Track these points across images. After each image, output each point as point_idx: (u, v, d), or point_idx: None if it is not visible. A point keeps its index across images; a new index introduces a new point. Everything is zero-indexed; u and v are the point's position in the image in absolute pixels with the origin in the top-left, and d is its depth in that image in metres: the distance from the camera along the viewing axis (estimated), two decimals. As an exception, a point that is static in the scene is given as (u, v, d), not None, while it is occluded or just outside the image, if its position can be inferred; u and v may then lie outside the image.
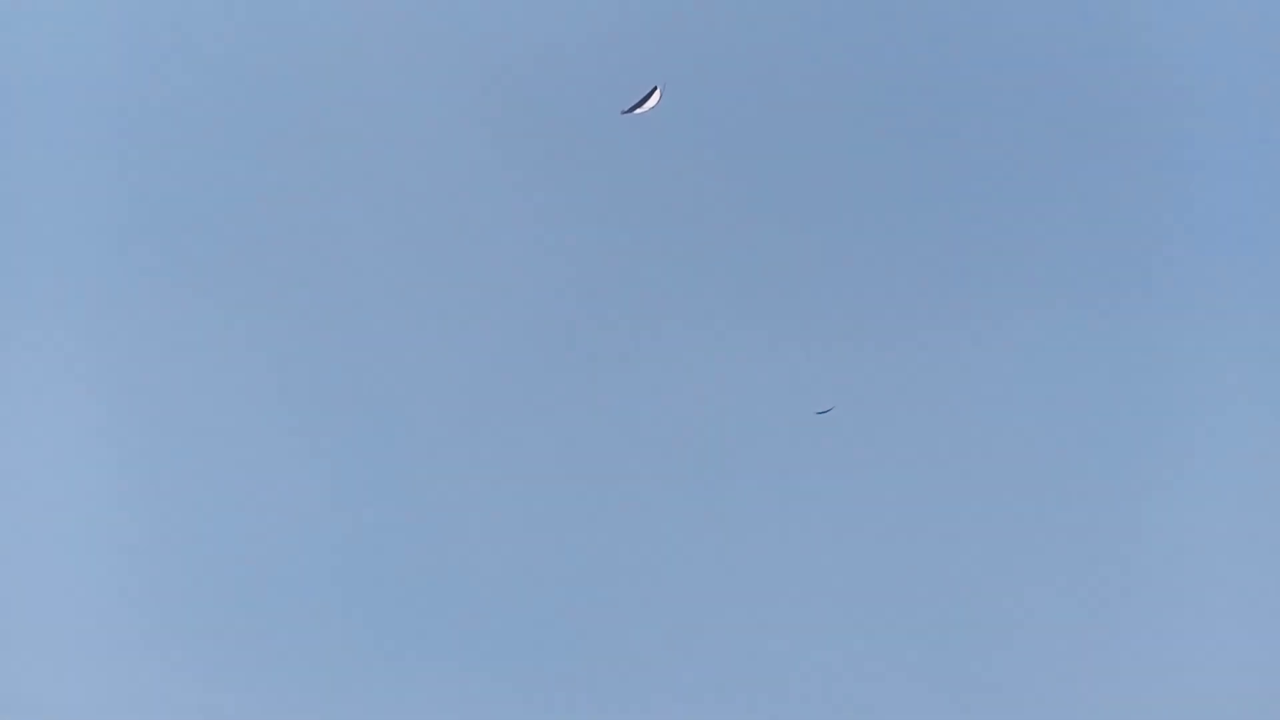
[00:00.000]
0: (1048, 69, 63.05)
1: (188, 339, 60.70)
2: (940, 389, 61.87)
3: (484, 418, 61.55)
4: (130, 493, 58.74)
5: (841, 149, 63.67)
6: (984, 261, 62.84)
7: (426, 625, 58.50)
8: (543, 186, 63.10)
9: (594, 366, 62.23)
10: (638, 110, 50.09)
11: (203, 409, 60.04)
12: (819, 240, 63.34)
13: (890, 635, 58.62)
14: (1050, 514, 60.12)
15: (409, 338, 62.03)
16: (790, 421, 58.67)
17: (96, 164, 60.59)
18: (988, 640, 58.54)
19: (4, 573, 56.23)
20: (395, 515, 59.93)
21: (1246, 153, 61.55)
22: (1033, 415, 61.64)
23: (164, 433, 59.63)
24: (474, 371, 62.01)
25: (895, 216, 63.44)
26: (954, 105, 63.55)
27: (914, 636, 58.53)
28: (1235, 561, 58.18)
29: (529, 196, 63.06)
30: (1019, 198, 63.44)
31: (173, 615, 57.37)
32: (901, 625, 58.71)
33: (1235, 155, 61.72)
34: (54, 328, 59.03)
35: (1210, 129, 61.90)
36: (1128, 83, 62.82)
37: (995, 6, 63.12)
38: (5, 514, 57.06)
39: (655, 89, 49.84)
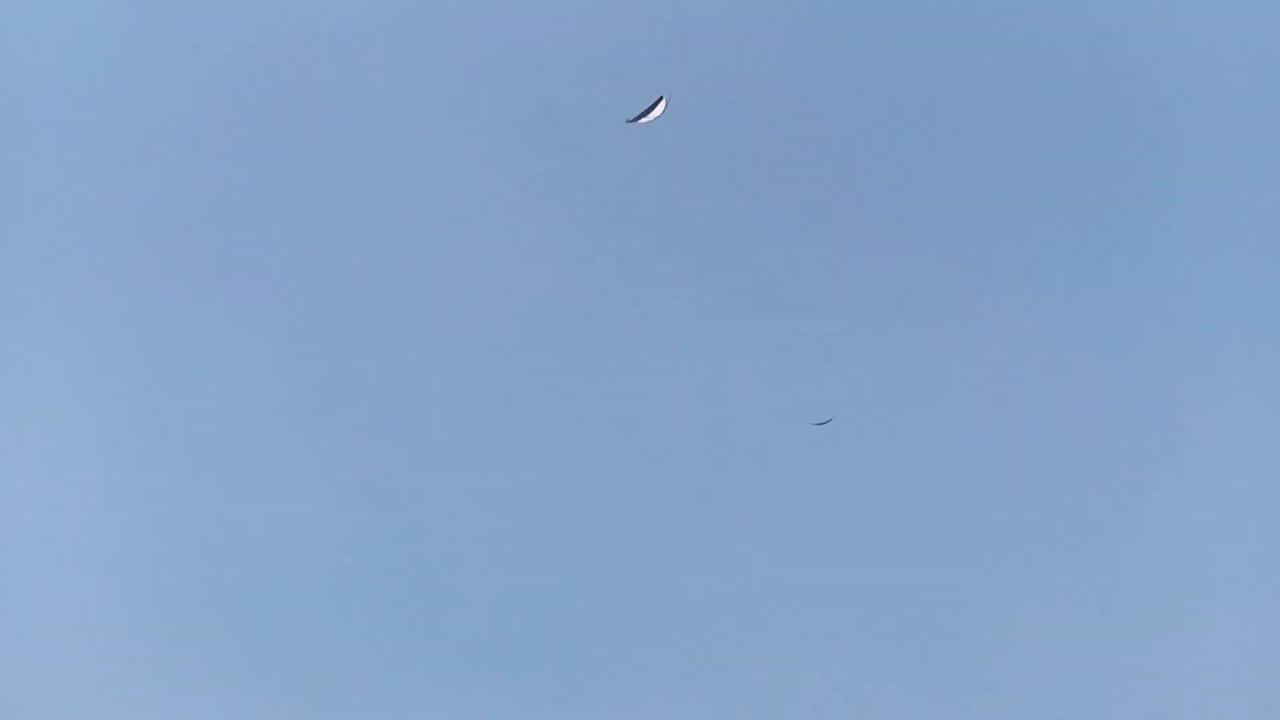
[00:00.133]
0: (1044, 71, 63.17)
1: (187, 341, 60.77)
2: (937, 394, 61.98)
3: (482, 421, 61.63)
4: (129, 493, 58.78)
5: (840, 157, 63.85)
6: (981, 268, 62.96)
7: (425, 627, 58.55)
8: (544, 194, 63.24)
9: (592, 372, 62.33)
10: (642, 120, 50.21)
11: (200, 411, 60.12)
12: (818, 247, 63.47)
13: (885, 642, 58.73)
14: (1046, 521, 60.22)
15: (408, 341, 62.12)
16: (788, 429, 58.73)
17: (96, 164, 60.66)
18: (985, 643, 58.62)
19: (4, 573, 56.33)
20: (393, 517, 60.00)
21: (1246, 153, 61.65)
22: (1031, 418, 61.76)
23: (162, 434, 59.69)
24: (472, 375, 62.09)
25: (894, 220, 63.58)
26: (948, 113, 63.72)
27: (909, 644, 58.62)
28: (1233, 563, 58.25)
29: (530, 203, 63.17)
30: (1016, 201, 63.55)
31: (171, 615, 57.44)
32: (897, 632, 58.81)
33: (1234, 155, 61.81)
34: (54, 328, 59.06)
35: (1208, 129, 62.01)
36: (1126, 83, 62.93)
37: (987, 12, 63.25)
38: (5, 515, 57.18)
39: (661, 99, 49.97)
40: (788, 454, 59.79)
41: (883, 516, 60.36)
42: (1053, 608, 59.05)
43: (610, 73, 61.17)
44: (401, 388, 61.50)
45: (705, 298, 62.67)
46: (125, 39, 61.00)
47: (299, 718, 55.97)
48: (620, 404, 61.91)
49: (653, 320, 62.71)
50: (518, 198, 63.01)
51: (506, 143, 62.91)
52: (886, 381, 61.79)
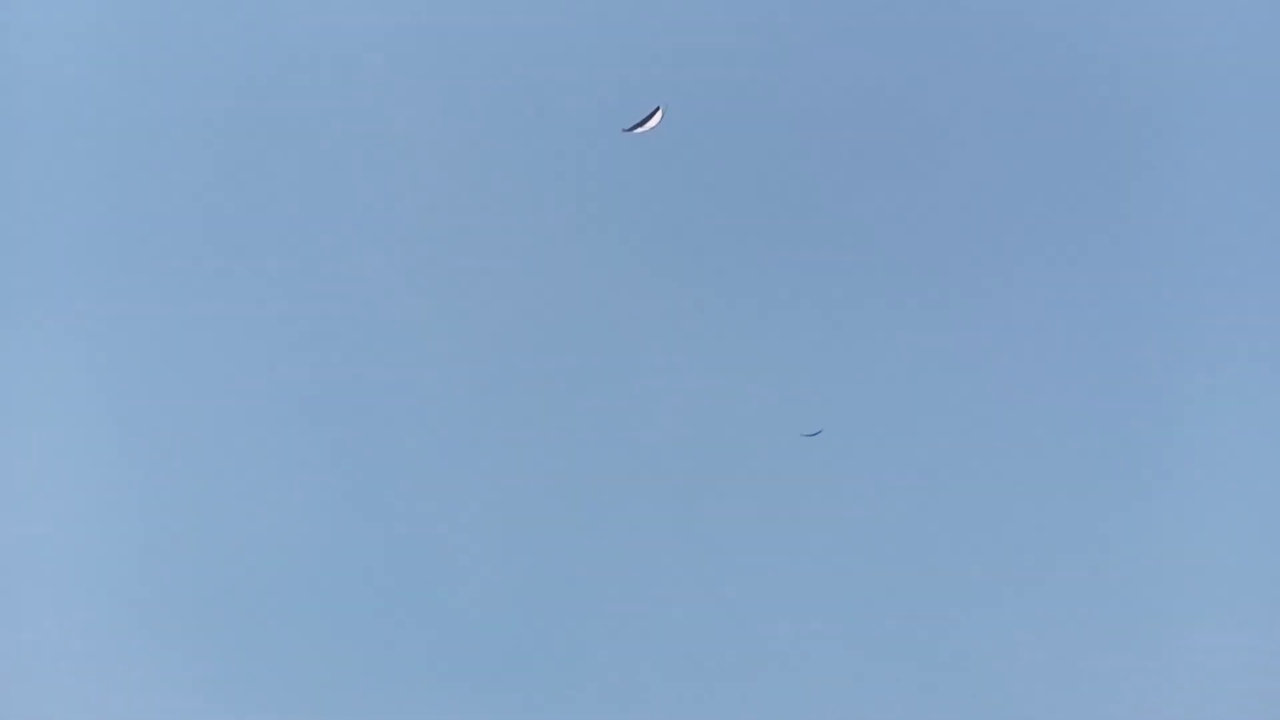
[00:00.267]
0: (1037, 73, 63.22)
1: (186, 341, 60.90)
2: (937, 395, 62.05)
3: (481, 424, 61.74)
4: (128, 492, 58.95)
5: (835, 165, 63.99)
6: (975, 280, 63.05)
7: (424, 627, 58.64)
8: (541, 203, 63.45)
9: (587, 378, 62.45)
10: (638, 130, 50.41)
11: (200, 411, 60.27)
12: (811, 256, 63.58)
13: (884, 643, 58.77)
14: (1044, 522, 60.28)
15: (407, 344, 62.26)
16: (783, 433, 58.78)
17: (95, 165, 60.82)
18: (985, 643, 58.67)
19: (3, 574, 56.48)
20: (392, 518, 60.12)
21: (1246, 153, 61.64)
22: (1030, 419, 61.80)
23: (162, 434, 59.84)
24: (471, 379, 62.24)
25: (892, 225, 63.66)
26: (947, 113, 63.79)
27: (908, 646, 58.67)
28: (1232, 563, 58.23)
29: (526, 211, 63.39)
30: (1013, 205, 63.61)
31: (170, 615, 57.58)
32: (896, 634, 58.87)
33: (1234, 155, 61.80)
34: (52, 329, 59.23)
35: (1208, 129, 62.02)
36: (1126, 82, 62.96)
37: (986, 12, 63.30)
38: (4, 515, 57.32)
39: (657, 109, 50.17)
40: (785, 457, 59.91)
41: (882, 518, 60.48)
42: (1052, 609, 59.11)
43: (607, 83, 61.47)
44: (401, 389, 61.66)
45: (701, 304, 62.88)
46: (125, 39, 61.24)
47: (298, 718, 56.14)
48: (619, 407, 62.06)
49: (650, 325, 62.89)
50: (515, 206, 63.24)
51: (504, 153, 63.14)
52: (885, 383, 61.90)
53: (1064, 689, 57.12)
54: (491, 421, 61.55)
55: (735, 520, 60.37)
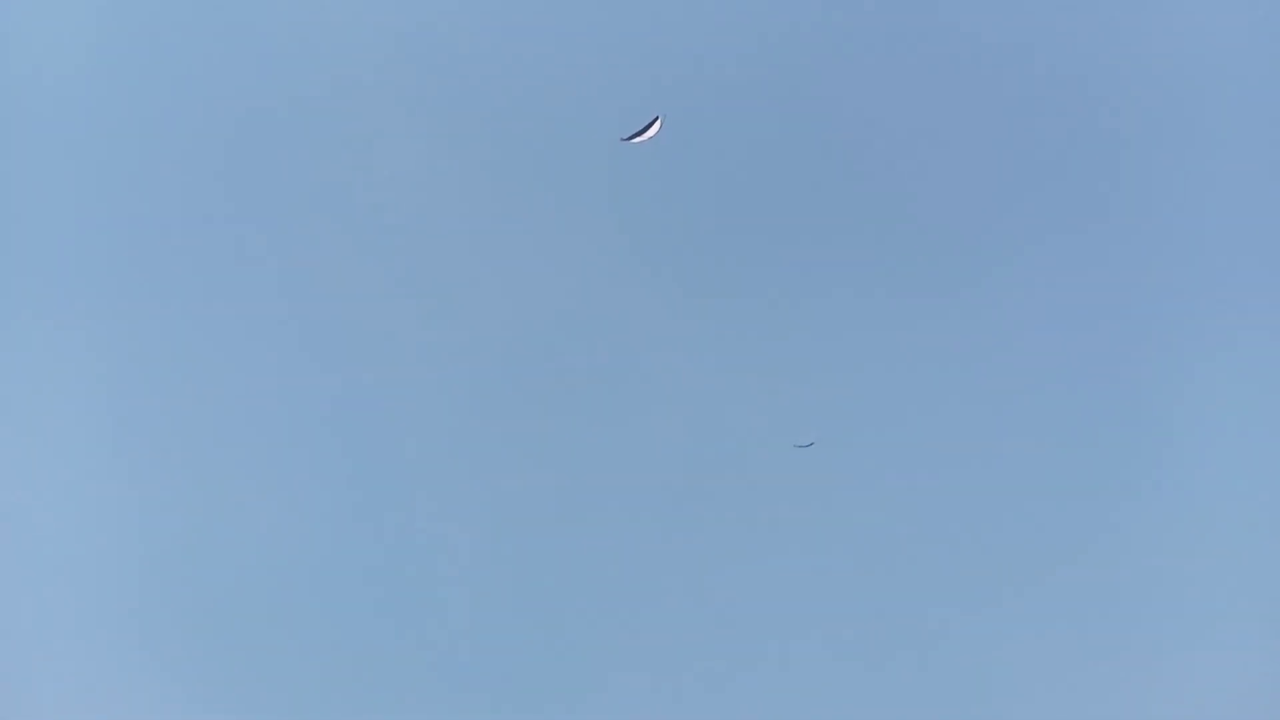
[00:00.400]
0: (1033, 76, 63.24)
1: (187, 342, 60.92)
2: (936, 397, 62.13)
3: (479, 427, 61.81)
4: (127, 493, 58.98)
5: (832, 173, 64.06)
6: (971, 285, 63.12)
7: (423, 629, 58.70)
8: (539, 211, 63.56)
9: (585, 384, 62.53)
10: (636, 139, 50.51)
11: (200, 412, 60.30)
12: (807, 264, 63.64)
13: (881, 645, 58.85)
14: (1044, 523, 60.36)
15: (406, 348, 62.33)
16: (778, 438, 58.86)
17: (96, 164, 60.79)
18: (983, 645, 58.76)
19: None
20: (391, 518, 60.18)
21: (1246, 153, 61.64)
22: (1031, 419, 61.88)
23: (162, 435, 59.88)
24: (470, 383, 62.29)
25: (888, 231, 63.76)
26: (944, 115, 63.83)
27: (905, 651, 58.79)
28: (1232, 563, 58.29)
29: (525, 218, 63.48)
30: (1013, 205, 63.66)
31: (169, 615, 57.63)
32: (893, 637, 58.96)
33: (1235, 155, 61.80)
34: (52, 330, 59.23)
35: (1208, 129, 62.02)
36: (1126, 83, 62.97)
37: (988, 12, 63.29)
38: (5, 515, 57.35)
39: (656, 118, 50.30)
40: (783, 458, 59.90)
41: (882, 518, 60.58)
42: (1052, 609, 59.18)
43: (605, 92, 61.58)
44: (401, 391, 61.69)
45: (697, 311, 63.02)
46: (125, 38, 61.19)
47: (298, 718, 56.20)
48: (618, 410, 62.13)
49: (649, 327, 62.95)
50: (515, 213, 63.35)
51: (504, 160, 63.27)
52: (885, 384, 61.96)
53: (1064, 689, 57.21)
54: (490, 424, 61.63)
55: (735, 521, 60.47)
